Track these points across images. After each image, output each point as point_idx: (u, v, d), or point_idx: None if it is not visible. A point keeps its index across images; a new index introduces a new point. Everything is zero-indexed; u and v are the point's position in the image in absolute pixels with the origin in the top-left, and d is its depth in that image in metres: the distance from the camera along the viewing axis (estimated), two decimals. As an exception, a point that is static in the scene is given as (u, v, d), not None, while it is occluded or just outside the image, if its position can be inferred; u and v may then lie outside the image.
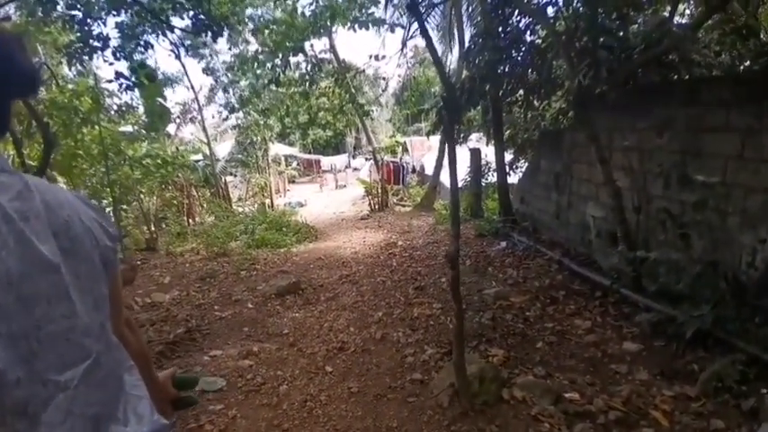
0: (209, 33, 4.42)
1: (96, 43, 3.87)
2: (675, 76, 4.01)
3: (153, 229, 6.76)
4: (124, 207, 6.22)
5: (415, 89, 15.39)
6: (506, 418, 2.11)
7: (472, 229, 7.07)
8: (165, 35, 4.81)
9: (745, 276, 2.89)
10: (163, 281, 5.07)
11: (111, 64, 3.88)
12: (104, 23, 4.27)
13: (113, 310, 0.77)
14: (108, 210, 5.40)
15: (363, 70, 10.91)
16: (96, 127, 5.22)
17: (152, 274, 5.39)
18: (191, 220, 9.03)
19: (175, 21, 4.95)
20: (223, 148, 15.63)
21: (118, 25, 4.48)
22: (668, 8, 5.46)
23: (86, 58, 3.95)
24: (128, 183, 5.98)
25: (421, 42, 13.48)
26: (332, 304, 4.22)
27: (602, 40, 3.22)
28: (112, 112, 6.62)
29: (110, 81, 4.28)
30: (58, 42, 4.91)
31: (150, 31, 4.70)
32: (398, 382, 2.59)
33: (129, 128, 7.41)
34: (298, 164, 23.00)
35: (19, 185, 0.64)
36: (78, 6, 3.61)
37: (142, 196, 6.85)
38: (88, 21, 3.71)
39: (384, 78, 11.22)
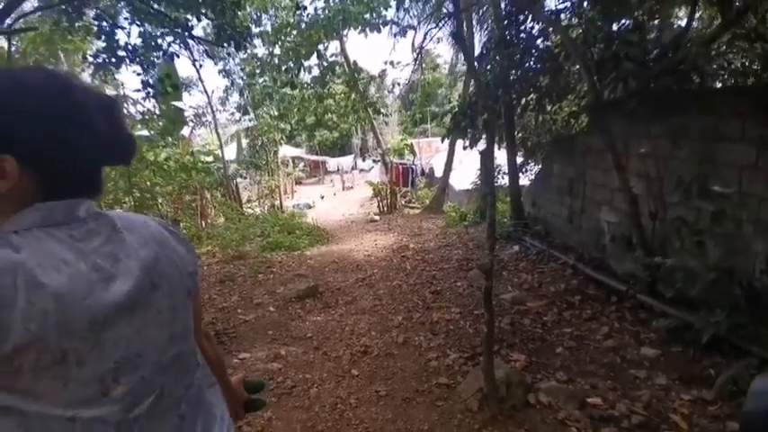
0: (233, 43, 4.54)
1: (123, 53, 3.99)
2: (690, 86, 4.08)
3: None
4: (144, 212, 6.36)
5: (422, 92, 15.46)
6: (534, 422, 2.20)
7: (484, 232, 7.15)
8: (186, 46, 4.91)
9: (759, 283, 2.96)
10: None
11: (138, 74, 4.02)
12: (129, 34, 4.38)
13: (195, 328, 0.80)
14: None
15: (379, 76, 11.02)
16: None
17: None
18: (203, 223, 9.18)
19: (196, 28, 5.12)
20: (229, 151, 15.80)
21: (141, 35, 4.60)
22: (683, 16, 5.57)
23: (114, 68, 4.07)
24: (148, 187, 6.12)
25: (428, 45, 13.50)
26: (351, 308, 4.32)
27: (625, 51, 3.29)
28: (136, 119, 6.75)
29: (137, 90, 4.40)
30: (82, 50, 5.05)
31: (175, 40, 4.81)
32: (425, 385, 2.69)
33: (145, 132, 7.53)
34: (304, 165, 23.15)
35: (107, 229, 0.67)
36: (106, 17, 3.73)
37: (160, 200, 6.98)
38: (115, 31, 3.82)
39: (398, 84, 11.30)
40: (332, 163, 22.71)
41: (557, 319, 3.62)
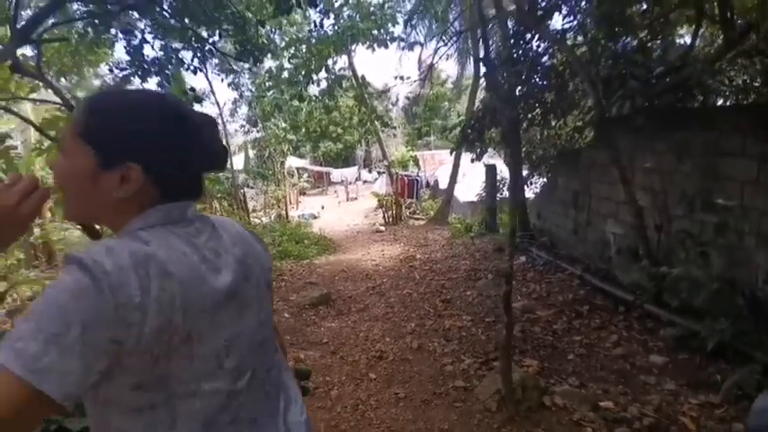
0: (251, 58, 4.75)
1: (147, 66, 4.18)
2: (692, 103, 4.26)
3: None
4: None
5: (427, 105, 15.74)
6: (550, 423, 2.31)
7: (490, 243, 7.28)
8: (203, 61, 5.11)
9: (761, 293, 3.09)
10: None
11: (162, 88, 4.19)
12: (153, 47, 4.59)
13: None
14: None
15: (388, 90, 11.28)
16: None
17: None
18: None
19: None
20: (236, 161, 16.04)
21: (163, 48, 4.80)
22: (683, 34, 5.78)
23: (140, 80, 4.25)
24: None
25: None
26: (364, 315, 4.43)
27: (630, 70, 3.47)
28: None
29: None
30: (105, 61, 5.26)
31: (197, 54, 5.01)
32: (442, 388, 2.79)
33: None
34: (308, 176, 23.36)
35: (209, 228, 0.77)
36: (134, 31, 3.92)
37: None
38: (143, 45, 4.02)
39: (406, 98, 11.55)
40: (336, 174, 22.93)
41: (566, 328, 3.73)
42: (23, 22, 3.35)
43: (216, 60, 8.45)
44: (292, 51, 9.38)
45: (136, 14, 4.25)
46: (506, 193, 9.15)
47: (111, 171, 0.68)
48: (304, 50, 9.66)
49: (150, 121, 0.70)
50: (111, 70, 4.29)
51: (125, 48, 3.96)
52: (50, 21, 3.92)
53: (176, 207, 0.73)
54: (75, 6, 3.84)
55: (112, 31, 4.58)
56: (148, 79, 4.56)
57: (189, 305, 0.65)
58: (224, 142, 0.90)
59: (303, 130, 12.82)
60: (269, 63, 10.73)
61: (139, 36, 4.06)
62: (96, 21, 3.83)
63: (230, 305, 0.72)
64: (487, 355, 3.22)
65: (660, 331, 3.44)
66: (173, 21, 4.25)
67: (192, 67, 4.59)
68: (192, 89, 4.31)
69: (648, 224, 3.89)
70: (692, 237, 3.42)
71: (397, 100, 16.23)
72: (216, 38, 4.64)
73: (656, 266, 3.60)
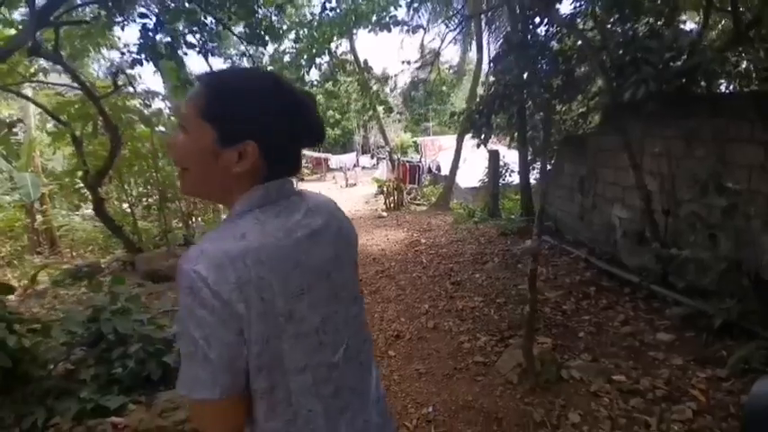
0: (259, 41, 4.73)
1: (162, 50, 4.16)
2: (699, 89, 4.32)
3: (191, 224, 7.08)
4: (168, 205, 6.52)
5: (428, 90, 15.64)
6: (569, 393, 2.43)
7: (493, 228, 7.38)
8: (210, 45, 5.08)
9: (767, 273, 3.21)
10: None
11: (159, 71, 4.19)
12: (161, 30, 4.55)
13: None
14: (156, 207, 5.77)
15: (395, 75, 11.21)
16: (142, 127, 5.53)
17: (197, 268, 5.69)
18: (213, 216, 9.33)
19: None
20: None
21: (171, 32, 4.75)
22: (684, 19, 5.81)
23: (152, 63, 4.23)
24: (171, 182, 6.28)
25: (434, 44, 13.68)
26: (376, 297, 4.53)
27: (644, 56, 3.53)
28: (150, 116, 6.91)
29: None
30: (113, 45, 5.21)
31: (203, 37, 4.97)
32: (462, 364, 2.90)
33: (161, 128, 7.68)
34: (307, 162, 23.28)
35: (304, 204, 0.80)
36: (149, 15, 3.90)
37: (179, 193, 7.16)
38: (157, 28, 3.99)
39: (413, 82, 11.49)
40: (334, 160, 22.85)
41: (575, 308, 3.85)
42: (42, 4, 3.31)
43: (214, 44, 8.34)
44: (294, 35, 9.27)
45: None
46: (508, 179, 9.25)
47: (231, 148, 0.72)
48: (305, 34, 9.54)
49: (266, 101, 0.74)
50: (122, 53, 4.27)
51: (139, 30, 3.92)
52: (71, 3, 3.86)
53: (276, 184, 0.77)
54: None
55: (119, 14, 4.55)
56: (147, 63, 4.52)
57: (286, 288, 0.70)
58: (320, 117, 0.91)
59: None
60: (270, 47, 10.62)
61: (154, 19, 4.02)
62: (110, 3, 3.79)
63: (324, 284, 0.77)
64: (502, 333, 3.34)
65: (666, 311, 3.57)
66: (188, 4, 4.21)
67: (203, 51, 4.57)
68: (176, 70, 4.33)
69: (656, 208, 3.99)
70: (702, 220, 3.52)
71: (396, 85, 16.09)
72: (226, 20, 4.60)
73: (664, 249, 3.71)
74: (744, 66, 4.68)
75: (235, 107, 0.73)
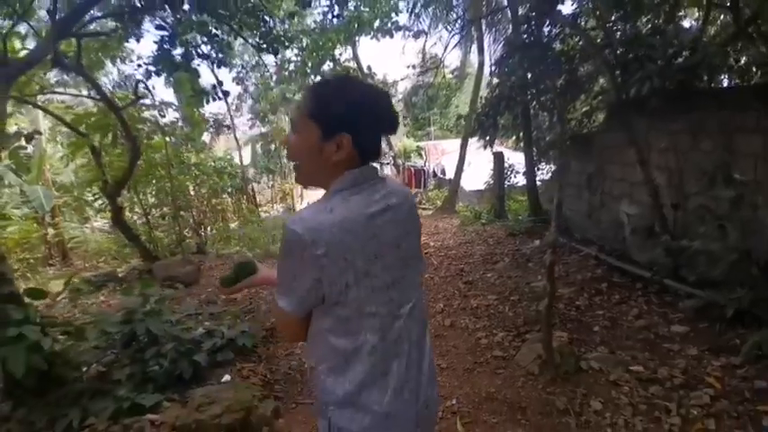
0: (271, 50, 4.86)
1: (178, 62, 4.29)
2: (702, 84, 4.40)
3: (203, 233, 7.20)
4: (182, 213, 6.64)
5: (428, 95, 15.78)
6: (589, 383, 2.49)
7: (501, 229, 7.45)
8: (223, 55, 5.21)
9: (775, 262, 3.27)
10: (226, 280, 5.45)
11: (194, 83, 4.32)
12: (176, 43, 4.69)
13: None
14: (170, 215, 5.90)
15: (401, 80, 11.34)
16: (157, 137, 5.66)
17: (212, 275, 5.77)
18: (222, 225, 9.46)
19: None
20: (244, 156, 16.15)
21: (185, 43, 4.89)
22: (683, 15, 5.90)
23: (168, 75, 4.36)
24: (184, 190, 6.40)
25: (435, 49, 13.86)
26: (390, 298, 4.59)
27: (648, 54, 3.62)
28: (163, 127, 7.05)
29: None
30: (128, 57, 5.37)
31: (213, 48, 5.11)
32: (481, 358, 2.97)
33: (171, 138, 7.81)
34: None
35: (384, 188, 0.98)
36: (166, 28, 4.02)
37: (192, 203, 7.27)
38: (175, 42, 4.12)
39: (419, 86, 11.61)
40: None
41: (588, 304, 3.91)
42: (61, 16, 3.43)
43: (224, 55, 8.52)
44: (300, 44, 9.44)
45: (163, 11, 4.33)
46: (513, 180, 9.33)
47: (330, 141, 0.91)
48: (310, 41, 9.72)
49: (357, 101, 0.92)
50: (139, 65, 4.44)
51: (155, 43, 4.05)
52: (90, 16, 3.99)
53: (364, 170, 0.95)
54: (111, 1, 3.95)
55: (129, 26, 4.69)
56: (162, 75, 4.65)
57: (363, 253, 0.90)
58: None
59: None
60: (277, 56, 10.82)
61: (170, 31, 4.15)
62: (126, 17, 3.92)
63: (395, 253, 0.96)
64: (518, 328, 3.40)
65: (679, 304, 3.62)
66: (198, 16, 4.34)
67: (215, 61, 4.70)
68: (220, 82, 4.46)
69: (665, 202, 4.06)
70: (710, 212, 3.59)
71: (396, 91, 16.25)
72: (236, 30, 4.73)
73: (674, 242, 3.77)
74: (744, 60, 4.77)
75: (333, 108, 0.91)
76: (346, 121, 0.90)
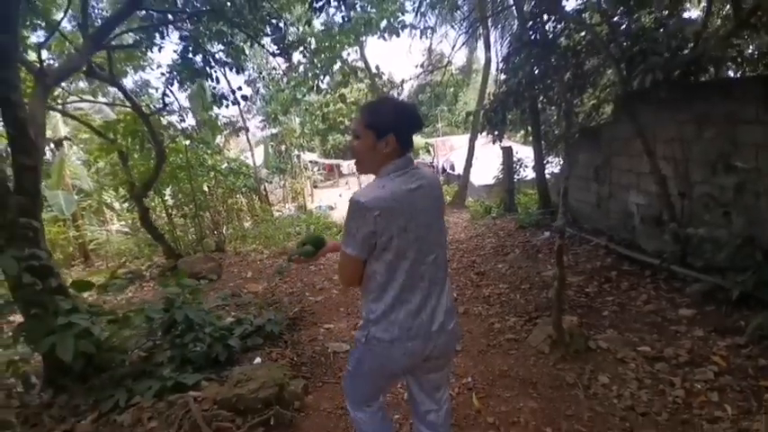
0: (285, 54, 5.06)
1: (199, 70, 4.51)
2: (706, 75, 4.49)
3: (222, 232, 7.46)
4: (201, 213, 6.90)
5: (434, 93, 15.87)
6: (597, 361, 2.64)
7: (511, 222, 7.57)
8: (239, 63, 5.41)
9: (778, 247, 3.37)
10: (246, 275, 5.69)
11: (213, 88, 4.54)
12: (196, 52, 4.91)
13: None
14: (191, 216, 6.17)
15: (409, 80, 11.50)
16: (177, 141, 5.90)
17: (232, 271, 6.01)
18: (237, 224, 9.73)
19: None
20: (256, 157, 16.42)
21: (204, 52, 5.10)
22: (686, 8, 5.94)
23: (188, 82, 4.58)
24: (204, 191, 6.64)
25: (441, 47, 13.95)
26: (405, 289, 4.77)
27: (652, 47, 3.73)
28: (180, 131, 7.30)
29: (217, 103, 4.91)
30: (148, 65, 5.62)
31: (229, 55, 5.32)
32: (494, 341, 3.13)
33: (187, 141, 8.05)
34: (321, 168, 23.70)
35: (417, 174, 1.39)
36: (189, 39, 4.24)
37: (211, 203, 7.53)
38: (198, 51, 4.34)
39: (427, 84, 11.76)
40: (346, 166, 23.23)
41: (598, 291, 4.04)
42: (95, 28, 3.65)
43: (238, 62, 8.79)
44: (309, 46, 9.63)
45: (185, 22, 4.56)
46: (522, 174, 9.43)
47: (381, 140, 1.34)
48: (316, 45, 9.90)
49: (397, 112, 1.37)
50: (162, 73, 4.68)
51: (177, 52, 4.27)
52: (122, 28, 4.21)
53: (403, 160, 1.37)
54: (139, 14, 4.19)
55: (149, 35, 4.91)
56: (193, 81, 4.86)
57: (403, 214, 1.32)
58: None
59: (317, 120, 13.12)
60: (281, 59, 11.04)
61: (190, 42, 4.37)
62: (152, 28, 4.14)
63: (422, 218, 1.36)
64: (530, 314, 3.55)
65: (686, 289, 3.74)
66: (216, 24, 4.56)
67: (232, 68, 4.92)
68: (239, 87, 4.67)
69: (672, 192, 4.16)
70: (715, 200, 3.69)
71: (403, 89, 16.38)
72: (252, 36, 4.94)
73: (682, 229, 3.88)
74: (749, 51, 4.83)
75: (381, 117, 1.35)
76: (391, 126, 1.33)
